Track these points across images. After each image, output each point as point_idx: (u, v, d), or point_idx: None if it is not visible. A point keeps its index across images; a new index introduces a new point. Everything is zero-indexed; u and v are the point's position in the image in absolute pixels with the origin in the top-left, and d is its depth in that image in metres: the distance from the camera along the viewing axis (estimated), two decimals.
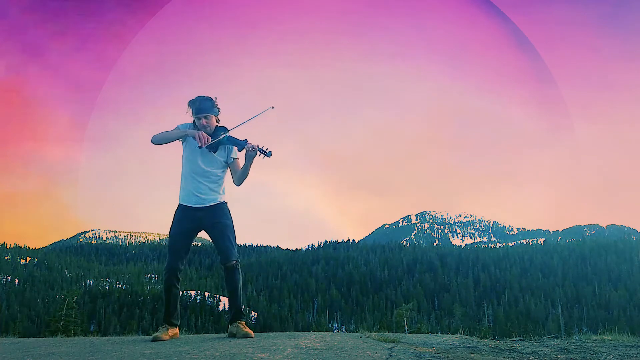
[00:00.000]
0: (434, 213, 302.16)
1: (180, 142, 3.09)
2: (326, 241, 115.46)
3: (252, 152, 2.96)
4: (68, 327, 23.77)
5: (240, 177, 3.08)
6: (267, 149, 2.97)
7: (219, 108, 3.06)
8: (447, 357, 2.15)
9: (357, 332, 3.71)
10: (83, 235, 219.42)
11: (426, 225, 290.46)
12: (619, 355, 2.29)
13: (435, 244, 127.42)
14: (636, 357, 2.21)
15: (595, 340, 3.11)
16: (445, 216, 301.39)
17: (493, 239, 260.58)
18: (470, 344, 2.69)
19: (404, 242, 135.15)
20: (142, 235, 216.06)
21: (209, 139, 2.96)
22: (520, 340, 3.22)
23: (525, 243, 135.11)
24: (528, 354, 2.36)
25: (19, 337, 5.19)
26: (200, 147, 2.96)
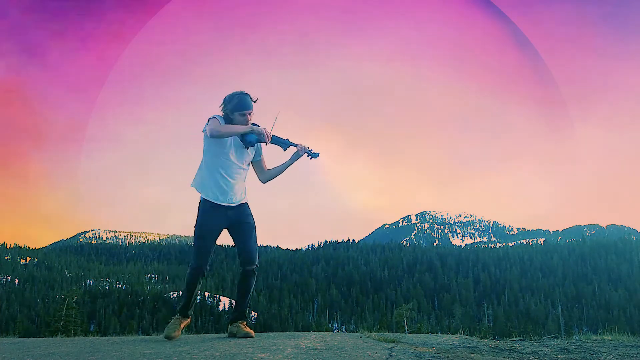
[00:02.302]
0: (434, 213, 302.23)
1: (204, 133, 2.94)
2: (326, 241, 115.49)
3: (301, 153, 2.93)
4: (68, 327, 23.78)
5: (275, 175, 3.03)
6: (314, 151, 2.96)
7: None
8: (447, 357, 2.15)
9: (357, 332, 3.71)
10: (83, 235, 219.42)
11: (426, 225, 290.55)
12: (619, 355, 2.29)
13: (435, 244, 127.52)
14: (636, 357, 2.21)
15: (595, 340, 3.11)
16: (445, 216, 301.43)
17: (493, 239, 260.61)
18: (470, 344, 2.69)
19: (404, 242, 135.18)
20: (142, 235, 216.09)
21: (270, 135, 2.87)
22: (520, 340, 3.22)
23: (525, 243, 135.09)
24: (528, 354, 2.36)
25: (19, 337, 5.20)
26: (250, 147, 2.90)
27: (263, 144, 3.00)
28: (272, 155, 3.15)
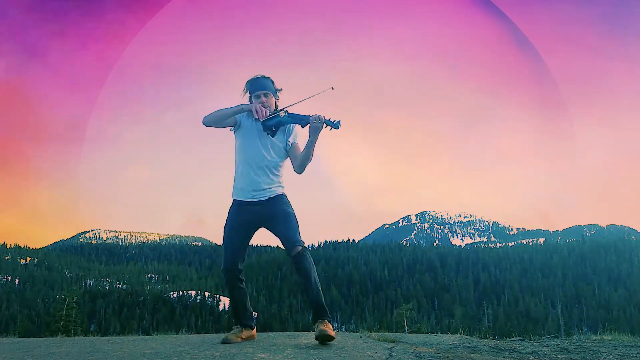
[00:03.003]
0: (434, 213, 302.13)
1: (232, 130, 2.69)
2: (326, 241, 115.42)
3: (318, 124, 2.47)
4: (68, 327, 23.77)
5: (303, 160, 2.60)
6: (334, 120, 2.49)
7: (278, 92, 2.69)
8: (447, 357, 2.15)
9: (357, 332, 3.71)
10: (83, 235, 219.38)
11: (426, 225, 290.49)
12: (619, 355, 2.29)
13: (435, 244, 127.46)
14: (636, 357, 2.22)
15: (595, 340, 3.11)
16: (445, 216, 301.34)
17: (493, 239, 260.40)
18: (470, 343, 2.69)
19: (404, 242, 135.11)
20: (142, 235, 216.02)
21: (267, 112, 2.53)
22: (520, 340, 3.22)
23: (525, 243, 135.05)
24: (528, 353, 2.36)
25: (19, 337, 5.20)
26: (276, 134, 2.59)
27: (298, 127, 2.63)
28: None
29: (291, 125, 2.65)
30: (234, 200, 2.67)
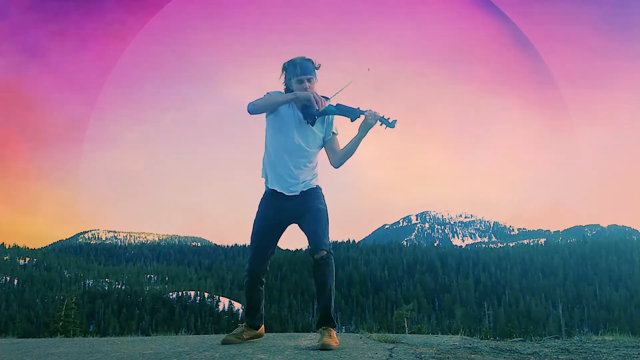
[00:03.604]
0: (435, 213, 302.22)
1: (264, 114, 2.46)
2: None
3: (372, 121, 2.36)
4: (67, 327, 23.76)
5: (345, 155, 2.46)
6: (390, 119, 2.40)
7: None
8: (448, 357, 2.14)
9: (357, 332, 3.70)
10: (82, 236, 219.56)
11: (426, 225, 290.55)
12: (620, 355, 2.28)
13: (435, 244, 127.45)
14: (637, 357, 2.20)
15: (596, 340, 3.10)
16: (445, 216, 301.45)
17: (494, 239, 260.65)
18: (470, 344, 2.68)
19: (404, 243, 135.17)
20: (141, 236, 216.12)
21: (325, 102, 2.33)
22: (521, 340, 3.21)
23: (526, 243, 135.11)
24: (529, 354, 2.35)
25: (18, 338, 5.19)
26: (316, 123, 2.38)
27: (336, 117, 2.47)
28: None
29: (331, 115, 2.46)
30: (269, 190, 2.46)
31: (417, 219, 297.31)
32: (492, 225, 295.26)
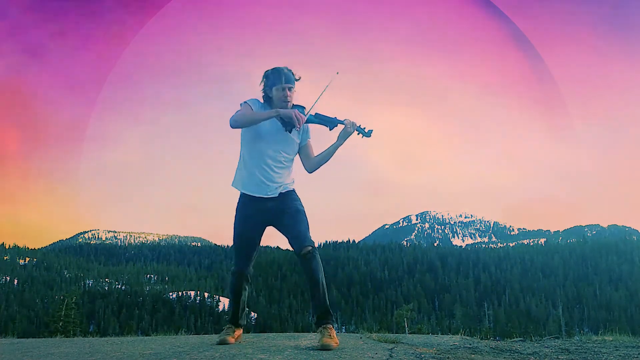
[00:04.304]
0: (435, 213, 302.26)
1: None
2: (326, 241, 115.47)
3: (350, 130, 2.51)
4: (67, 327, 23.78)
5: (321, 161, 2.58)
6: (365, 128, 2.54)
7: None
8: (448, 357, 2.15)
9: (357, 332, 3.70)
10: (82, 236, 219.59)
11: (426, 225, 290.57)
12: (620, 356, 2.28)
13: (435, 244, 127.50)
14: (637, 357, 2.21)
15: (596, 340, 3.10)
16: (445, 216, 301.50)
17: (494, 239, 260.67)
18: (470, 344, 2.68)
19: (405, 243, 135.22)
20: (141, 236, 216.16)
21: (304, 118, 2.43)
22: (521, 340, 3.21)
23: (526, 243, 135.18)
24: (529, 354, 2.35)
25: (18, 338, 5.19)
26: (293, 130, 2.48)
27: (312, 125, 2.59)
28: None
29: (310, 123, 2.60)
30: (245, 194, 2.54)
31: (417, 219, 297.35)
32: (492, 225, 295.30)
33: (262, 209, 2.51)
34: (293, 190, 2.61)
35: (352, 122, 2.52)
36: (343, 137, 2.53)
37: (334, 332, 2.38)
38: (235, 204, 2.61)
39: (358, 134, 2.55)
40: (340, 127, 2.54)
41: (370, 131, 2.54)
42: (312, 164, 2.60)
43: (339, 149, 2.57)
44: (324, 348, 2.26)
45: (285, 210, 2.50)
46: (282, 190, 2.53)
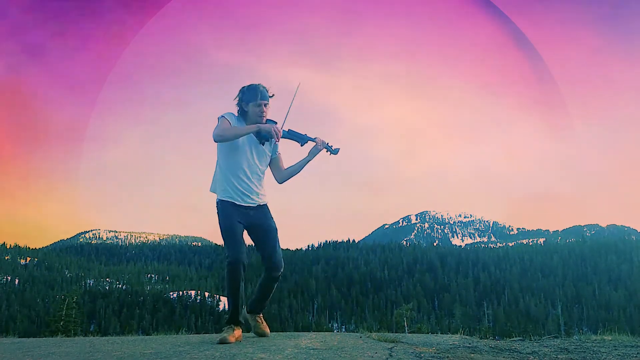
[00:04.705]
0: (434, 213, 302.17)
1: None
2: (326, 241, 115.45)
3: (320, 147, 2.79)
4: (68, 327, 23.76)
5: (291, 174, 2.84)
6: (334, 147, 2.83)
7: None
8: (447, 357, 2.15)
9: (357, 332, 3.71)
10: (83, 235, 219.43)
11: (426, 225, 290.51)
12: (619, 355, 2.29)
13: (435, 244, 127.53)
14: (636, 357, 2.22)
15: (595, 340, 3.11)
16: (445, 216, 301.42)
17: (493, 239, 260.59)
18: (470, 344, 2.69)
19: (404, 242, 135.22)
20: (142, 235, 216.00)
21: (281, 132, 2.67)
22: (520, 340, 3.22)
23: (525, 243, 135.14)
24: (528, 354, 2.36)
25: (19, 337, 5.19)
26: (266, 143, 2.75)
27: (283, 140, 2.85)
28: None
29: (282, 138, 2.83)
30: (226, 201, 2.69)
31: (416, 219, 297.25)
32: (491, 225, 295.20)
33: (244, 215, 2.70)
34: (266, 205, 2.82)
35: (322, 141, 2.81)
36: (313, 153, 2.81)
37: (264, 320, 2.89)
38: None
39: (326, 151, 2.83)
40: (310, 144, 2.82)
41: (337, 150, 2.84)
42: (283, 175, 2.86)
43: (308, 163, 2.84)
44: (264, 335, 2.82)
45: (261, 225, 2.74)
46: (260, 202, 2.76)
